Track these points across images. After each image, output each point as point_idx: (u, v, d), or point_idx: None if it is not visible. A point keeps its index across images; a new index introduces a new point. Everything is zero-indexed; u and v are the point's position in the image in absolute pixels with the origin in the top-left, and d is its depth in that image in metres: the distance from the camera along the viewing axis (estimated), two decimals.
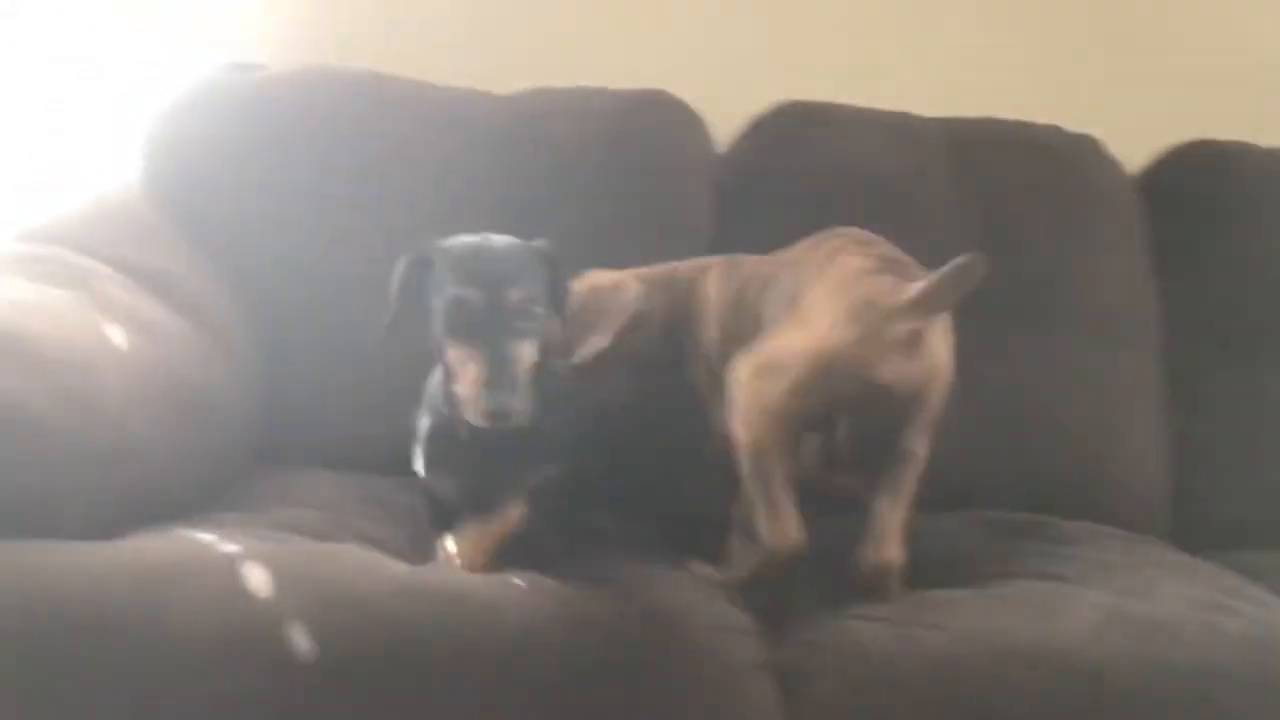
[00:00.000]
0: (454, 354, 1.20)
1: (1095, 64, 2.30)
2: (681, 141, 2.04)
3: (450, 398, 1.27)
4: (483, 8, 2.27)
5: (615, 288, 1.64)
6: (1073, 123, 2.12)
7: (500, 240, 1.26)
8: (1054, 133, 2.09)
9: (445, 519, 1.39)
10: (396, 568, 1.20)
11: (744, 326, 1.49)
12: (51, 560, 1.11)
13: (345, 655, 1.04)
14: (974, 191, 2.00)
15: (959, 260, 1.24)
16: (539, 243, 1.30)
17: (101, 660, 1.03)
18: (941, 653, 1.17)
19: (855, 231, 1.56)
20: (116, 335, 1.47)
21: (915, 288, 1.26)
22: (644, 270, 1.71)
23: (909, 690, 1.14)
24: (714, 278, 1.65)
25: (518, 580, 1.17)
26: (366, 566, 1.17)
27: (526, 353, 1.20)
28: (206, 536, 1.23)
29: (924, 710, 1.12)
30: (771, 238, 1.93)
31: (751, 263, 1.64)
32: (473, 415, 1.17)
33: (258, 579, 1.07)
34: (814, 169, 2.00)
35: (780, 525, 1.28)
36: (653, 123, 2.03)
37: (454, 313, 1.19)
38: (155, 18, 2.21)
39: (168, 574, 1.08)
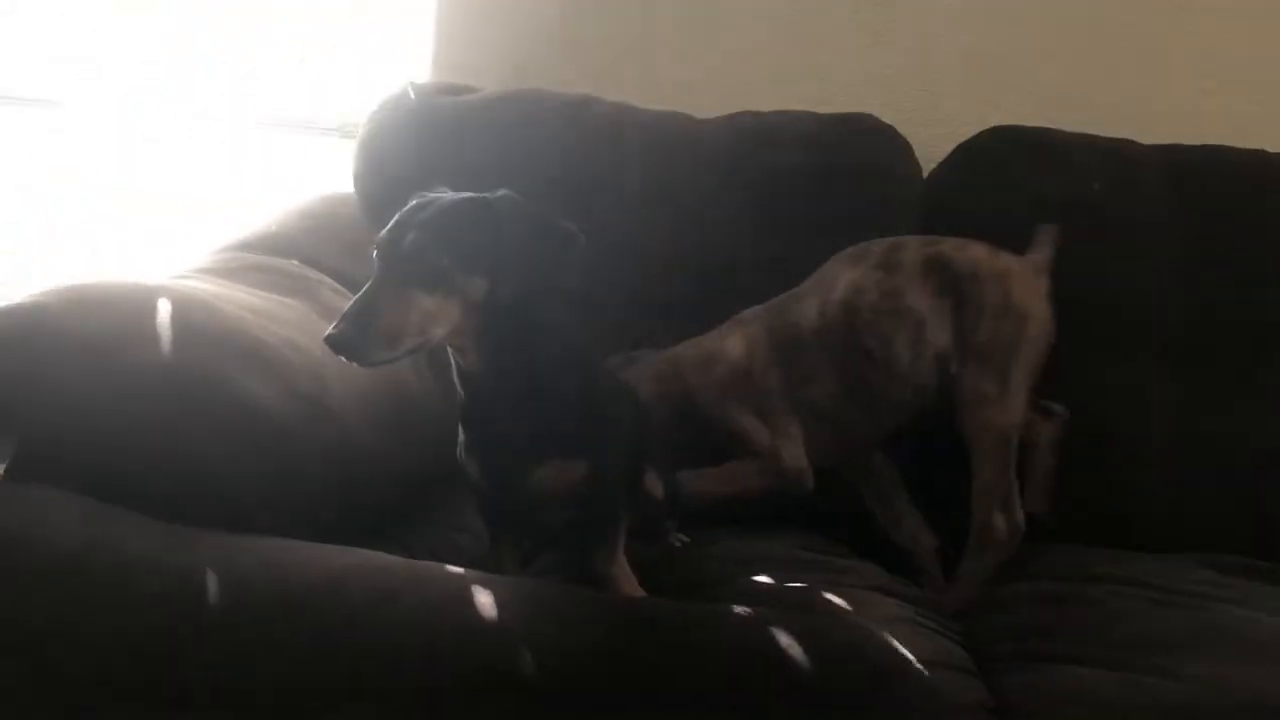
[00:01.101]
0: None
1: None
2: (888, 166, 2.01)
3: None
4: (681, 31, 2.30)
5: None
6: None
7: (453, 195, 1.22)
8: None
9: (489, 510, 1.39)
10: (607, 598, 1.21)
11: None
12: (293, 555, 1.15)
13: (568, 679, 1.05)
14: (1198, 223, 1.91)
15: None
16: (495, 195, 1.22)
17: (342, 648, 1.06)
18: (1176, 703, 1.10)
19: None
20: None
21: None
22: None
23: None
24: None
25: (738, 608, 1.16)
26: (574, 596, 1.17)
27: (428, 302, 1.15)
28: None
29: None
30: None
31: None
32: (323, 341, 1.13)
33: (485, 603, 1.09)
34: (1025, 195, 1.94)
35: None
36: (859, 146, 2.00)
37: (374, 253, 1.17)
38: (368, 39, 2.32)
39: (401, 585, 1.11)
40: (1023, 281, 1.70)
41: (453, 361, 1.28)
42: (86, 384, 1.22)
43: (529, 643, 1.06)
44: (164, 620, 1.07)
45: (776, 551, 1.57)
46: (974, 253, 1.72)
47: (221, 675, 1.05)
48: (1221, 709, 1.09)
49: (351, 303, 1.14)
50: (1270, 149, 2.01)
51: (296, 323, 1.51)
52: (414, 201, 1.22)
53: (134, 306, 1.31)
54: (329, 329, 1.13)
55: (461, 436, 1.34)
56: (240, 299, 1.49)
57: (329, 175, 2.19)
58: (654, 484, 1.62)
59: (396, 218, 1.20)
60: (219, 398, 1.26)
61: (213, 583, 1.08)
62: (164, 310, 1.32)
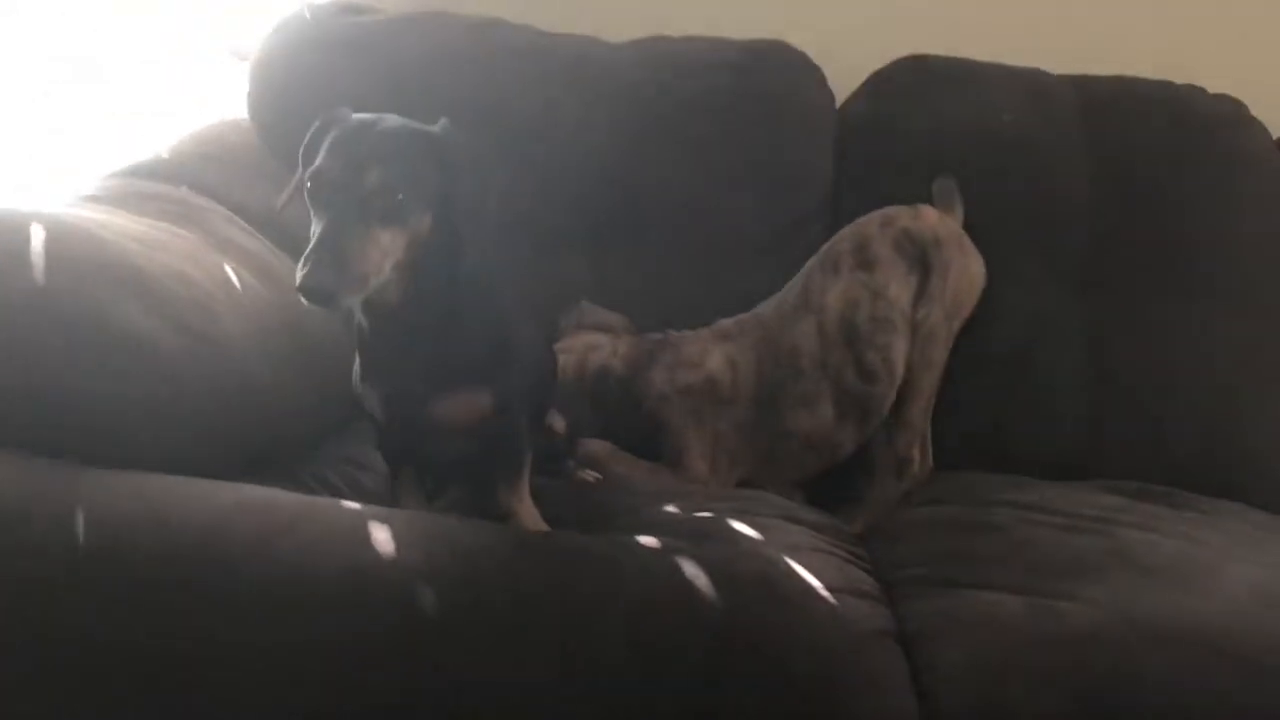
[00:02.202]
0: (312, 229, 1.10)
1: (1236, 22, 2.19)
2: (802, 95, 1.98)
3: None
4: None
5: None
6: (1213, 85, 2.02)
7: (393, 120, 1.15)
8: (1195, 93, 1.99)
9: (388, 449, 1.34)
10: (510, 531, 1.18)
11: None
12: (178, 494, 1.10)
13: (470, 612, 1.02)
14: (1110, 153, 1.91)
15: None
16: (437, 127, 1.17)
17: (222, 594, 1.02)
18: (1082, 629, 1.11)
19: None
20: (235, 276, 1.47)
21: None
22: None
23: (1046, 667, 1.07)
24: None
25: (646, 539, 1.14)
26: (477, 530, 1.14)
27: (384, 238, 1.09)
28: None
29: (1061, 688, 1.05)
30: (891, 194, 1.89)
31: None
32: (296, 289, 1.06)
33: (381, 538, 1.05)
34: (938, 125, 1.93)
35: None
36: (773, 75, 1.97)
37: (313, 186, 1.10)
38: None
39: (291, 522, 1.06)
40: (967, 240, 1.79)
41: None
42: None
43: (429, 578, 1.03)
44: (34, 567, 1.02)
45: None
46: (929, 218, 1.77)
47: (95, 626, 1.00)
48: (1124, 632, 1.09)
49: (314, 244, 1.07)
50: (1175, 80, 2.01)
51: (186, 253, 1.43)
52: (343, 125, 1.14)
53: (5, 231, 1.23)
54: (298, 276, 1.05)
55: (358, 364, 1.29)
56: (125, 227, 1.41)
57: (222, 100, 2.08)
58: (557, 422, 1.59)
59: (336, 146, 1.11)
60: (99, 329, 1.19)
61: (84, 524, 1.02)
62: (38, 236, 1.24)
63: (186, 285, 1.34)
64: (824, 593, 1.10)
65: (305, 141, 1.17)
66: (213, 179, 1.76)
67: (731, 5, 2.19)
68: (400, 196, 1.10)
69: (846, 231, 1.79)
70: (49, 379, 1.16)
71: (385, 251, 1.10)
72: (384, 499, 1.36)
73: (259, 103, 1.97)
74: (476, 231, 1.21)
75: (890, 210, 1.79)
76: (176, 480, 1.13)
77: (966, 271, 1.77)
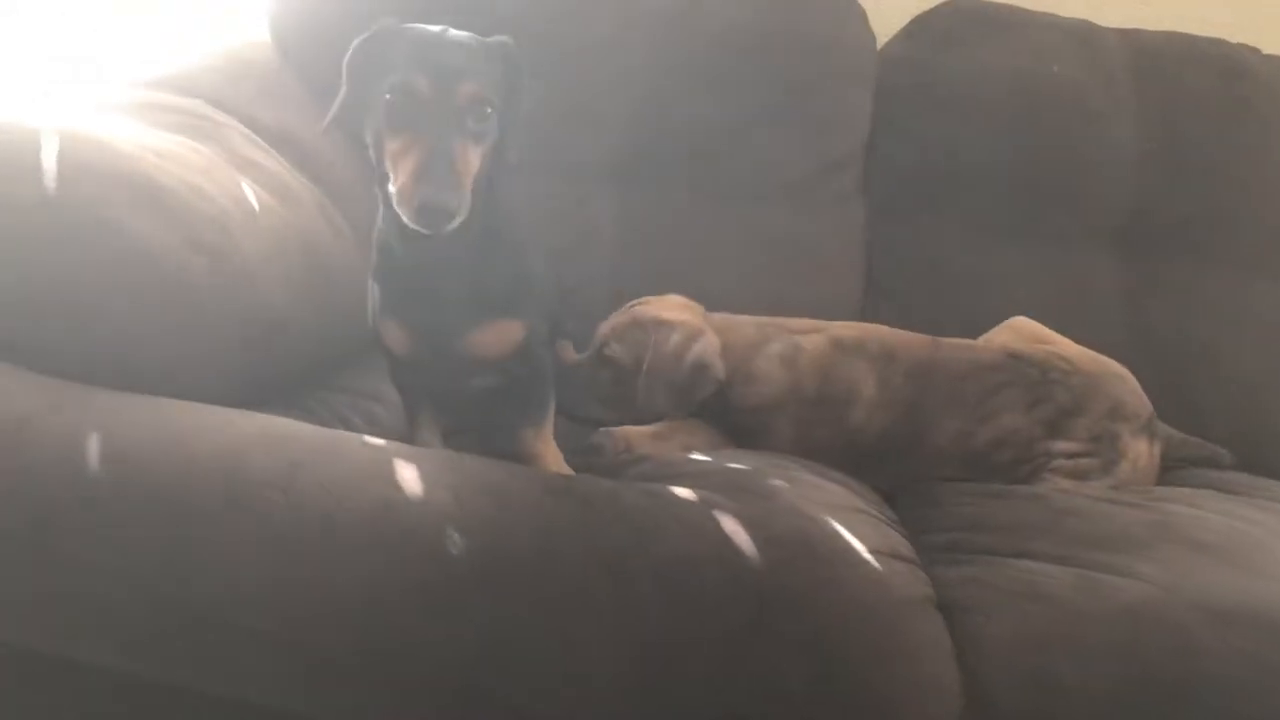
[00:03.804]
0: (393, 147, 1.04)
1: None
2: (844, 34, 1.90)
3: (387, 205, 1.10)
4: None
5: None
6: (1269, 46, 1.94)
7: (460, 33, 1.09)
8: (1249, 54, 1.92)
9: (408, 385, 1.30)
10: (539, 474, 1.12)
11: None
12: (192, 421, 1.04)
13: (499, 558, 0.97)
14: (1158, 111, 1.84)
15: None
16: (500, 39, 1.12)
17: (238, 529, 0.96)
18: (1134, 604, 1.06)
19: None
20: (251, 194, 1.40)
21: None
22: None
23: (1095, 643, 1.02)
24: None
25: (676, 489, 1.08)
26: (504, 469, 1.08)
27: (473, 155, 1.05)
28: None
29: (1114, 665, 1.01)
30: (929, 140, 1.83)
31: None
32: (406, 211, 1.01)
33: (408, 476, 0.99)
34: (982, 72, 1.87)
35: None
36: (816, 11, 1.89)
37: (399, 102, 1.04)
38: None
39: (314, 456, 1.01)
40: None
41: (389, 212, 1.13)
42: None
43: (457, 521, 0.97)
44: (40, 489, 0.96)
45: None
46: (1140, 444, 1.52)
47: (104, 553, 0.95)
48: (1179, 609, 1.04)
49: (424, 160, 1.02)
50: (1228, 39, 1.94)
51: (203, 167, 1.36)
52: (422, 38, 1.07)
53: (17, 137, 1.16)
54: (415, 196, 1.00)
55: (377, 295, 1.23)
56: (141, 138, 1.34)
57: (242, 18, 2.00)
58: (566, 348, 1.54)
59: (420, 58, 1.05)
60: (110, 240, 1.13)
61: (96, 446, 0.97)
62: (50, 144, 1.17)
63: (203, 200, 1.28)
64: (866, 555, 1.05)
65: (349, 59, 1.10)
66: (231, 96, 1.68)
67: None
68: (489, 110, 1.06)
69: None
70: (56, 291, 1.11)
71: (474, 167, 1.06)
72: (401, 436, 1.31)
73: (282, 20, 1.89)
74: (515, 155, 1.15)
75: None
76: (194, 406, 1.07)
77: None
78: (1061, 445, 1.47)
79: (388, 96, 1.04)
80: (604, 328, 1.58)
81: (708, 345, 1.49)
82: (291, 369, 1.40)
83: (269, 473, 0.98)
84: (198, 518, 0.96)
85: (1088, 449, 1.47)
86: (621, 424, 1.48)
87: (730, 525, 1.02)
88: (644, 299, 1.60)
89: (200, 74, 1.70)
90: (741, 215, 1.84)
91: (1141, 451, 1.50)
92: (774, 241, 1.81)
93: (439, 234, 1.02)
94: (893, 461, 1.49)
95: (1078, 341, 1.63)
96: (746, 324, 1.57)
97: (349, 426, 1.38)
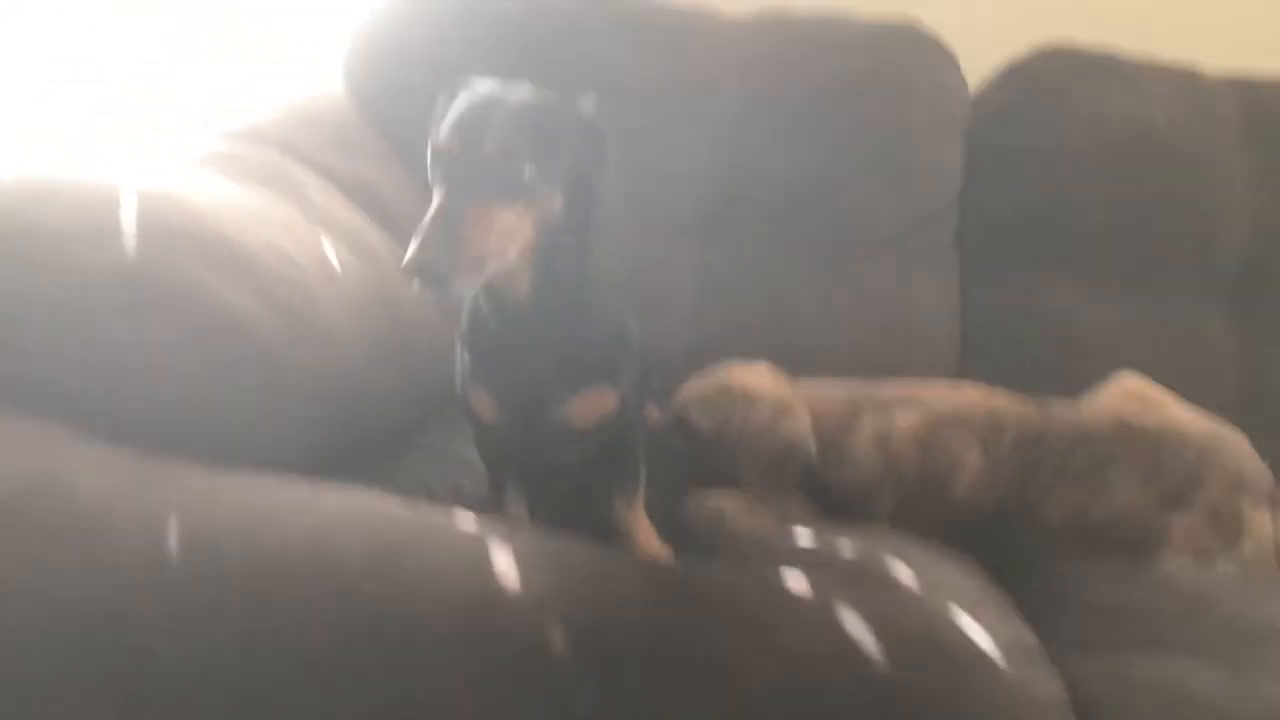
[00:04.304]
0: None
1: None
2: (935, 81, 1.83)
3: None
4: None
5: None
6: None
7: (527, 89, 1.03)
8: None
9: (495, 454, 1.22)
10: (643, 563, 1.05)
11: None
12: (274, 501, 0.98)
13: (606, 661, 0.89)
14: (1273, 164, 1.75)
15: None
16: (566, 98, 1.05)
17: (325, 624, 0.89)
18: None
19: None
20: (331, 251, 1.35)
21: None
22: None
23: None
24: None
25: (790, 579, 1.00)
26: (606, 558, 1.01)
27: (506, 216, 0.97)
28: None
29: None
30: (1026, 190, 1.75)
31: None
32: (404, 269, 0.93)
33: (504, 565, 0.92)
34: (1084, 121, 1.79)
35: None
36: (905, 57, 1.82)
37: (432, 157, 0.99)
38: None
39: (403, 541, 0.94)
40: None
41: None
42: (37, 285, 1.03)
43: (558, 616, 0.90)
44: (117, 579, 0.90)
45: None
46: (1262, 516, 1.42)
47: (183, 647, 0.88)
48: None
49: (427, 220, 0.95)
50: None
51: (282, 225, 1.32)
52: (469, 94, 1.02)
53: (96, 198, 1.12)
54: (408, 254, 0.93)
55: (467, 363, 1.17)
56: (221, 195, 1.30)
57: (319, 64, 1.96)
58: (652, 411, 1.47)
59: (461, 116, 0.99)
60: (190, 305, 1.08)
61: (176, 530, 0.91)
62: (129, 203, 1.12)
63: (285, 261, 1.23)
64: (996, 654, 0.96)
65: (435, 113, 1.04)
66: (306, 145, 1.64)
67: None
68: (527, 170, 0.98)
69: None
70: (138, 361, 1.05)
71: (508, 232, 0.98)
72: (486, 507, 1.24)
73: (358, 72, 1.85)
74: (612, 219, 1.09)
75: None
76: (276, 482, 1.01)
77: None
78: (1180, 522, 1.37)
79: (428, 153, 1.00)
80: (685, 392, 1.50)
81: (799, 424, 1.41)
82: (372, 433, 1.34)
83: (358, 560, 0.92)
84: (280, 610, 0.89)
85: (1208, 526, 1.37)
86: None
87: (853, 622, 0.94)
88: (729, 364, 1.52)
89: (274, 124, 1.66)
90: (830, 270, 1.77)
91: (1264, 525, 1.39)
92: (865, 297, 1.74)
93: (446, 296, 0.95)
94: (1001, 537, 1.39)
95: (1190, 401, 1.53)
96: (837, 398, 1.48)
97: (431, 494, 1.32)
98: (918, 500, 1.41)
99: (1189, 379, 1.65)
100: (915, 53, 1.83)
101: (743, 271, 1.77)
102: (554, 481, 1.30)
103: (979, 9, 2.00)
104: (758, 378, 1.47)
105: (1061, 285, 1.78)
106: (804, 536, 1.20)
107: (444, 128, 1.00)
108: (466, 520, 1.01)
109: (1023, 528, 1.40)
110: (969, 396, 1.49)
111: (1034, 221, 1.80)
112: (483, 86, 1.03)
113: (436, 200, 0.97)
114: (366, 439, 1.33)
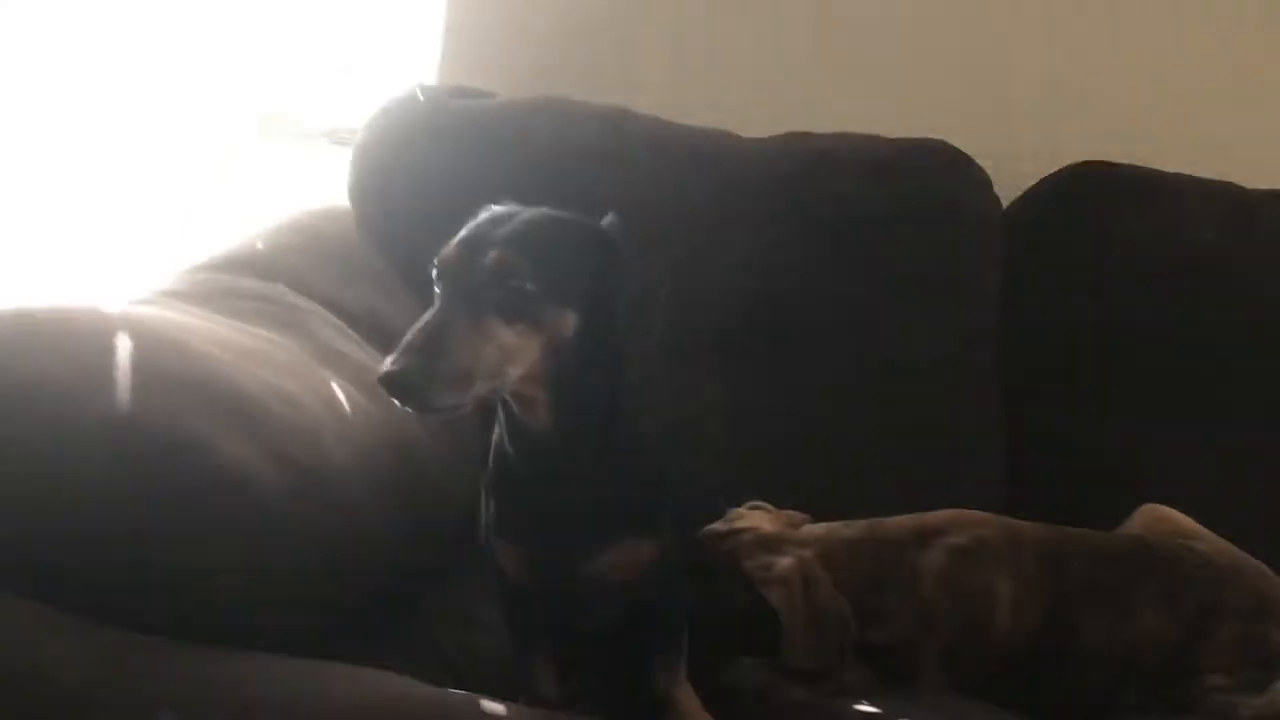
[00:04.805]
0: None
1: None
2: (967, 199, 1.75)
3: (503, 406, 1.01)
4: (727, 46, 2.05)
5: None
6: None
7: (545, 209, 0.99)
8: None
9: (523, 615, 1.13)
10: None
11: None
12: (283, 691, 0.86)
13: None
14: None
15: None
16: (604, 222, 1.02)
17: None
18: None
19: None
20: (340, 393, 1.26)
21: None
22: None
23: None
24: None
25: None
26: None
27: (494, 332, 0.91)
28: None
29: None
30: (1063, 311, 1.69)
31: None
32: (378, 380, 0.88)
33: None
34: (1123, 240, 1.72)
35: None
36: (935, 176, 1.75)
37: (436, 274, 0.94)
38: (373, 40, 2.05)
39: None
40: None
41: (505, 416, 1.02)
42: (20, 438, 0.94)
43: None
44: None
45: None
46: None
47: None
48: None
49: (412, 331, 0.89)
50: None
51: (288, 366, 1.23)
52: (486, 213, 0.98)
53: (87, 342, 1.03)
54: (384, 364, 0.87)
55: (491, 511, 1.08)
56: (217, 334, 1.21)
57: (319, 187, 1.90)
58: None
59: (468, 231, 0.96)
60: (188, 462, 0.97)
61: None
62: (124, 347, 1.03)
63: (291, 408, 1.13)
64: None
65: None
66: (311, 275, 1.56)
67: (874, 102, 1.99)
68: (529, 286, 0.91)
69: None
70: (130, 525, 0.94)
71: (507, 353, 0.92)
72: (507, 675, 1.13)
73: (362, 191, 1.78)
74: (640, 346, 1.01)
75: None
76: (280, 669, 0.90)
77: None
78: (1208, 648, 1.28)
79: (434, 271, 0.95)
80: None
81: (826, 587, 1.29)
82: (381, 589, 1.23)
83: None
84: None
85: (1238, 652, 1.28)
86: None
87: None
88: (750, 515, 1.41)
89: (278, 252, 1.58)
90: (864, 398, 1.67)
91: None
92: (903, 427, 1.64)
93: (426, 413, 0.90)
94: (1050, 673, 1.30)
95: (1248, 523, 1.43)
96: (858, 550, 1.35)
97: (446, 661, 1.21)
98: (963, 642, 1.30)
99: (1254, 507, 1.57)
100: (947, 171, 1.76)
101: (771, 399, 1.67)
102: (587, 646, 1.19)
103: (1007, 129, 1.95)
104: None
105: (1111, 413, 1.70)
106: (863, 711, 1.09)
107: (452, 242, 0.95)
108: (493, 708, 0.89)
109: (1068, 657, 1.30)
110: (981, 518, 1.40)
111: (1078, 344, 1.73)
112: (501, 207, 0.98)
113: (428, 312, 0.91)
114: (376, 595, 1.22)
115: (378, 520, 1.18)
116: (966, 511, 1.41)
